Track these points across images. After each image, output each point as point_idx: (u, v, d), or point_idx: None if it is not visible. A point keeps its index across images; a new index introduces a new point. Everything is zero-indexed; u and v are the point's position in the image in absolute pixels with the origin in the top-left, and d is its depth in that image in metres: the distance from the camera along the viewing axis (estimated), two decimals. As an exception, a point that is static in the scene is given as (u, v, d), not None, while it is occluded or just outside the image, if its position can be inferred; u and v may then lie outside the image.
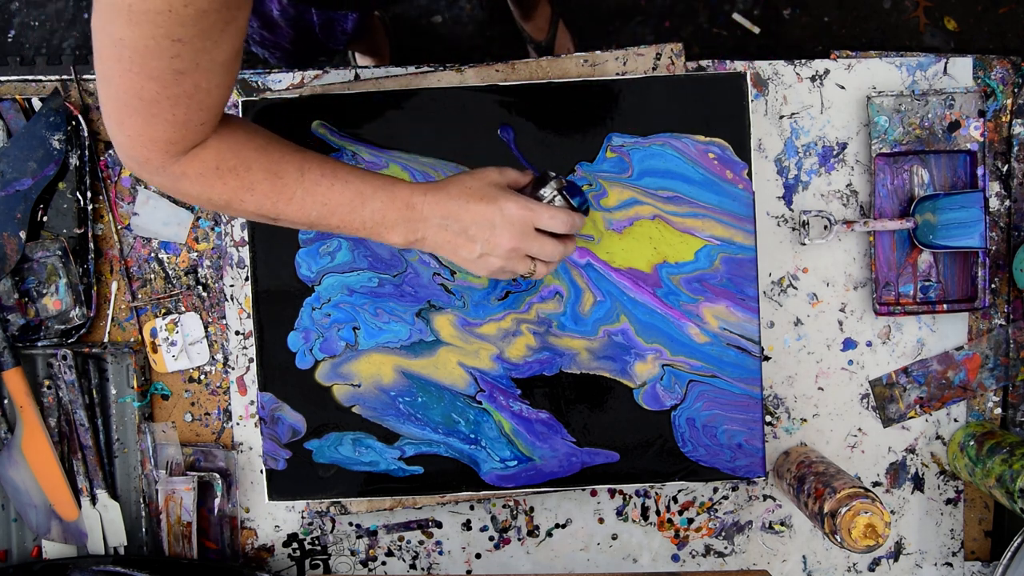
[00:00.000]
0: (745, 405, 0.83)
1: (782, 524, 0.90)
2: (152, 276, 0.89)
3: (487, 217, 0.69)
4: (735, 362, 0.83)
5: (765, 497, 0.90)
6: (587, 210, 0.75)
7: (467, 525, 0.90)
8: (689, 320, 0.83)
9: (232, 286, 0.89)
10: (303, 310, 0.84)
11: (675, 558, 0.91)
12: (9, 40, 1.66)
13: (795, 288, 0.89)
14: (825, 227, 0.87)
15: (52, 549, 0.88)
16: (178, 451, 0.88)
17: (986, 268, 0.85)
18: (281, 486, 0.85)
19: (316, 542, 0.91)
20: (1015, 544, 0.78)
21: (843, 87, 0.88)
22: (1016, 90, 0.88)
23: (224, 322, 0.89)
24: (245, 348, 0.89)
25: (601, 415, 0.84)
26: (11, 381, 0.85)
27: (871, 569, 0.91)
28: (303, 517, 0.90)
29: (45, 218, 0.87)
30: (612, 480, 0.84)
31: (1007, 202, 0.89)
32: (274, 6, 0.95)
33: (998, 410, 0.89)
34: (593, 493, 0.90)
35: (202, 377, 0.90)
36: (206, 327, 0.89)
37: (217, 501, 0.88)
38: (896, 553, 0.91)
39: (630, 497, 0.90)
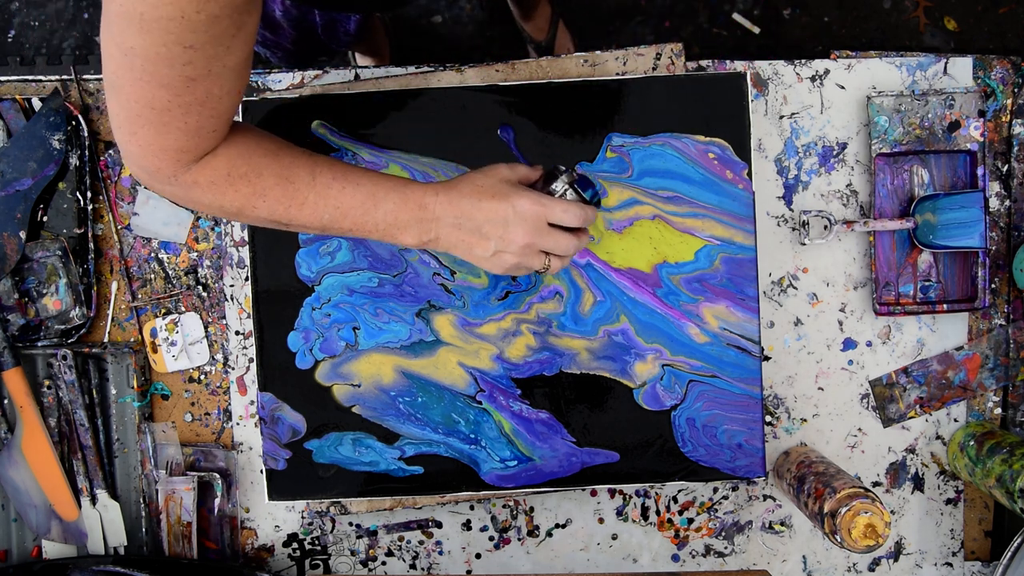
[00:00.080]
0: (745, 405, 0.83)
1: (782, 524, 0.90)
2: (152, 276, 0.90)
3: (500, 214, 0.69)
4: (735, 362, 0.83)
5: (765, 497, 0.90)
6: (599, 202, 0.74)
7: (467, 525, 0.90)
8: (689, 320, 0.83)
9: (232, 286, 0.89)
10: (303, 310, 0.84)
11: (675, 558, 0.91)
12: (9, 40, 1.66)
13: (795, 288, 0.89)
14: (825, 227, 0.87)
15: (52, 549, 0.88)
16: (178, 451, 0.88)
17: (986, 268, 0.85)
18: (281, 486, 0.85)
19: (316, 542, 0.91)
20: (1015, 544, 0.78)
21: (843, 87, 0.88)
22: (1016, 90, 0.88)
23: (224, 322, 0.89)
24: (245, 348, 0.89)
25: (601, 415, 0.84)
26: (11, 381, 0.85)
27: (871, 569, 0.91)
28: (303, 517, 0.90)
29: (45, 218, 0.87)
30: (612, 480, 0.84)
31: (1007, 202, 0.89)
32: (276, 7, 0.95)
33: (998, 410, 0.89)
34: (593, 493, 0.90)
35: (202, 377, 0.90)
36: (206, 327, 0.89)
37: (217, 501, 0.88)
38: (896, 553, 0.91)
39: (630, 497, 0.90)
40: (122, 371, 0.87)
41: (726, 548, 0.90)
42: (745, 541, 0.90)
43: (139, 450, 0.88)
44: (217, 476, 0.87)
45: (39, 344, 0.87)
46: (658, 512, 0.90)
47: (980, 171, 0.85)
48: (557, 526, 0.90)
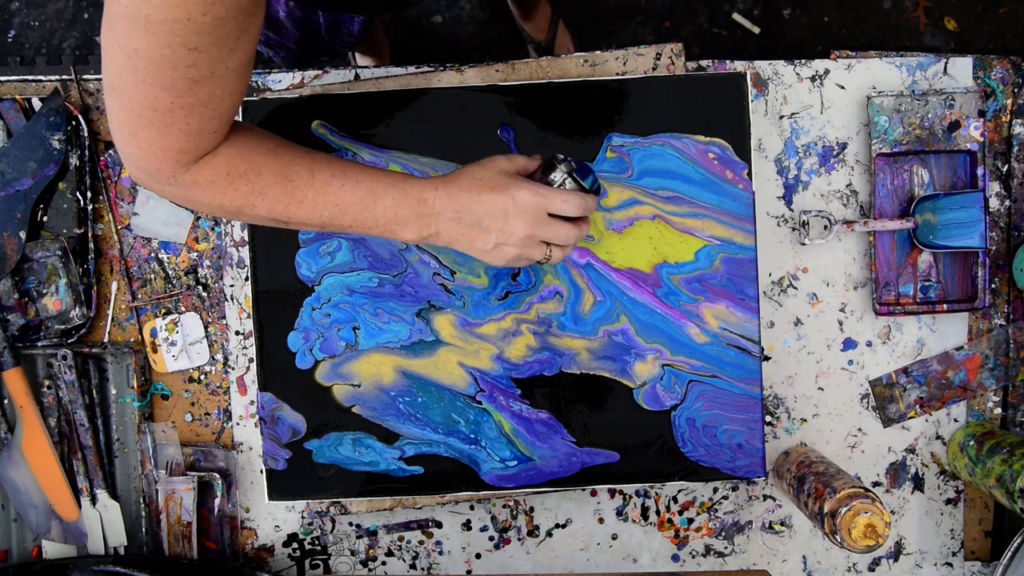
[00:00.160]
0: (745, 405, 0.83)
1: (782, 524, 0.90)
2: (152, 276, 0.90)
3: (500, 207, 0.69)
4: (735, 362, 0.83)
5: (765, 497, 0.90)
6: (599, 189, 0.74)
7: (467, 525, 0.90)
8: (689, 320, 0.83)
9: (232, 286, 0.89)
10: (303, 310, 0.84)
11: (675, 558, 0.91)
12: (9, 40, 1.66)
13: (795, 288, 0.89)
14: (825, 227, 0.87)
15: (52, 549, 0.88)
16: (178, 451, 0.88)
17: (986, 268, 0.85)
18: (281, 486, 0.85)
19: (316, 542, 0.91)
20: (1015, 544, 0.78)
21: (843, 87, 0.88)
22: (1016, 90, 0.88)
23: (224, 322, 0.89)
24: (245, 348, 0.89)
25: (601, 415, 0.84)
26: (11, 381, 0.85)
27: (871, 569, 0.91)
28: (303, 517, 0.90)
29: (45, 218, 0.87)
30: (612, 480, 0.84)
31: (1007, 202, 0.89)
32: (280, 7, 0.95)
33: (998, 410, 0.89)
34: (593, 493, 0.90)
35: (202, 377, 0.90)
36: (206, 327, 0.89)
37: (217, 501, 0.88)
38: (896, 553, 0.91)
39: (630, 497, 0.90)
40: (122, 371, 0.87)
41: (726, 548, 0.90)
42: (745, 541, 0.90)
43: (139, 450, 0.88)
44: (217, 476, 0.87)
45: (39, 344, 0.87)
46: (658, 512, 0.90)
47: (980, 171, 0.85)
48: (557, 526, 0.90)
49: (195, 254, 0.89)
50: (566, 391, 0.84)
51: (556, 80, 0.83)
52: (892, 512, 0.90)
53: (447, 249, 0.83)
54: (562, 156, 0.72)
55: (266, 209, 0.67)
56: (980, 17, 1.62)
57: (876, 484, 0.90)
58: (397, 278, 0.83)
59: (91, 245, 0.87)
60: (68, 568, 0.84)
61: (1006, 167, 0.89)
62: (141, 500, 0.87)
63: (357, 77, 0.88)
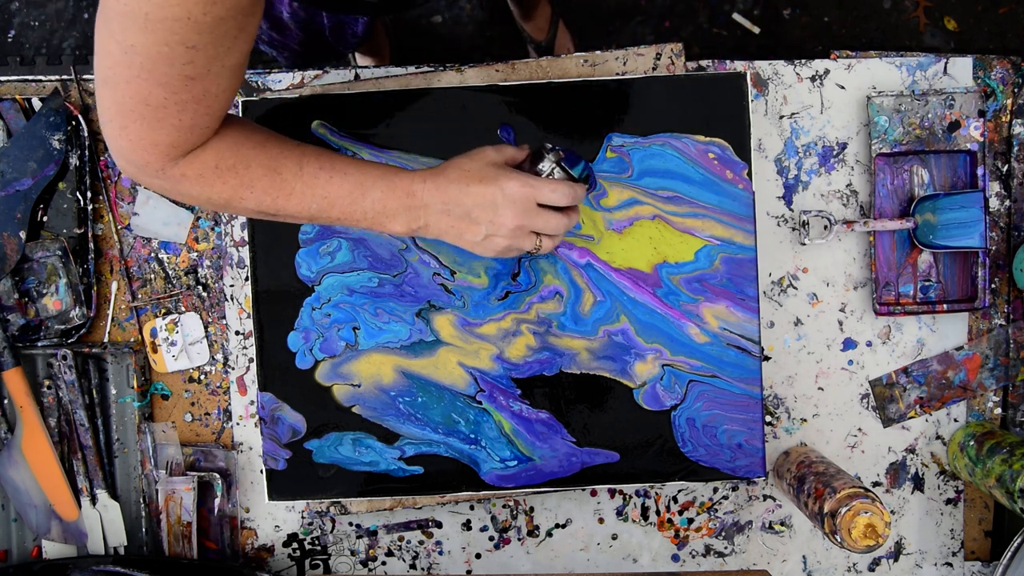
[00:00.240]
0: (745, 405, 0.83)
1: (782, 524, 0.90)
2: (152, 276, 0.90)
3: (489, 198, 0.69)
4: (735, 362, 0.83)
5: (765, 497, 0.90)
6: (587, 178, 0.74)
7: (467, 525, 0.90)
8: (689, 320, 0.83)
9: (232, 286, 0.89)
10: (303, 310, 0.84)
11: (675, 558, 0.91)
12: (9, 40, 1.66)
13: (795, 288, 0.89)
14: (825, 227, 0.87)
15: (52, 549, 0.88)
16: (178, 451, 0.88)
17: (986, 268, 0.85)
18: (281, 486, 0.85)
19: (316, 542, 0.91)
20: (1015, 544, 0.78)
21: (843, 87, 0.88)
22: (1016, 90, 0.88)
23: (224, 322, 0.89)
24: (245, 348, 0.89)
25: (601, 415, 0.84)
26: (11, 381, 0.85)
27: (871, 569, 0.91)
28: (303, 517, 0.90)
29: (45, 218, 0.87)
30: (612, 480, 0.84)
31: (1007, 202, 0.89)
32: (284, 8, 0.95)
33: (998, 410, 0.89)
34: (593, 493, 0.90)
35: (202, 377, 0.90)
36: (206, 327, 0.89)
37: (217, 501, 0.88)
38: (896, 553, 0.91)
39: (630, 497, 0.90)
40: (122, 371, 0.87)
41: (726, 548, 0.90)
42: (745, 541, 0.90)
43: (139, 450, 0.88)
44: (217, 476, 0.87)
45: (39, 344, 0.87)
46: (658, 512, 0.90)
47: (980, 171, 0.85)
48: (557, 526, 0.90)
49: (195, 254, 0.89)
50: (566, 391, 0.84)
51: (556, 80, 0.83)
52: (892, 512, 0.90)
53: (447, 248, 0.83)
54: (550, 145, 0.72)
55: (254, 202, 0.67)
56: (980, 17, 1.62)
57: (876, 484, 0.90)
58: (397, 278, 0.83)
59: (91, 245, 0.87)
60: (68, 568, 0.84)
61: (1006, 167, 0.89)
62: (141, 500, 0.87)
63: (357, 77, 0.88)
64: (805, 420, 0.89)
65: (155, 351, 0.89)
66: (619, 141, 0.82)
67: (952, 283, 0.88)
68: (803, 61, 0.88)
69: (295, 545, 0.90)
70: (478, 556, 0.91)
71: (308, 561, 0.91)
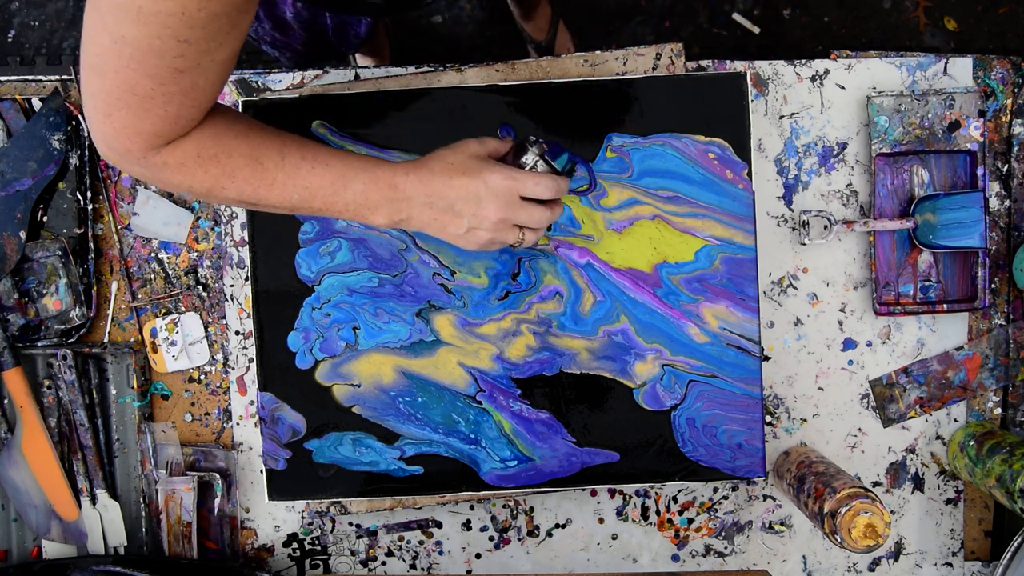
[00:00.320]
0: (745, 405, 0.83)
1: (782, 524, 0.90)
2: (152, 276, 0.90)
3: (472, 191, 0.68)
4: (735, 362, 0.83)
5: (765, 497, 0.90)
6: (571, 170, 0.73)
7: (467, 525, 0.90)
8: (689, 320, 0.83)
9: (232, 286, 0.89)
10: (303, 310, 0.84)
11: (675, 558, 0.91)
12: (9, 40, 1.66)
13: (795, 288, 0.89)
14: (825, 227, 0.87)
15: (52, 549, 0.88)
16: (178, 451, 0.88)
17: (986, 268, 0.85)
18: (281, 486, 0.85)
19: (316, 542, 0.91)
20: (1015, 544, 0.78)
21: (843, 87, 0.88)
22: (1016, 90, 0.88)
23: (224, 322, 0.89)
24: (245, 348, 0.89)
25: (601, 415, 0.84)
26: (11, 381, 0.85)
27: (871, 569, 0.91)
28: (303, 517, 0.90)
29: (45, 218, 0.87)
30: (612, 480, 0.84)
31: (1007, 202, 0.89)
32: (288, 8, 0.95)
33: (998, 410, 0.89)
34: (593, 493, 0.90)
35: (202, 377, 0.90)
36: (206, 327, 0.89)
37: (217, 501, 0.88)
38: (896, 553, 0.91)
39: (630, 497, 0.90)
40: (122, 371, 0.87)
41: (726, 548, 0.90)
42: (745, 541, 0.90)
43: (139, 450, 0.88)
44: (217, 476, 0.87)
45: (39, 344, 0.87)
46: (658, 512, 0.90)
47: (980, 171, 0.85)
48: (557, 526, 0.90)
49: (195, 254, 0.89)
50: (566, 391, 0.84)
51: (556, 80, 0.83)
52: (892, 512, 0.90)
53: (447, 248, 0.83)
54: (534, 138, 0.71)
55: (235, 191, 0.67)
56: (980, 17, 1.62)
57: (876, 484, 0.90)
58: (397, 278, 0.83)
59: (91, 245, 0.87)
60: (68, 568, 0.84)
61: (1006, 167, 0.89)
62: (141, 500, 0.87)
63: (357, 77, 0.88)
64: (805, 420, 0.89)
65: (155, 351, 0.89)
66: (619, 141, 0.82)
67: (952, 283, 0.88)
68: (803, 61, 0.88)
69: (295, 545, 0.90)
70: (478, 556, 0.91)
71: (308, 561, 0.91)
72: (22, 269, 0.86)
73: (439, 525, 0.90)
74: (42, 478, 0.87)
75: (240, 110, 0.82)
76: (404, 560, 0.91)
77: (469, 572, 0.91)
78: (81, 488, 0.87)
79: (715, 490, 0.90)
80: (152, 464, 0.87)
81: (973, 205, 0.84)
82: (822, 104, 0.88)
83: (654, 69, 0.86)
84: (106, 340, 0.89)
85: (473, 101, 0.83)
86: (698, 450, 0.83)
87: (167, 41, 0.54)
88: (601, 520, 0.90)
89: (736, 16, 1.63)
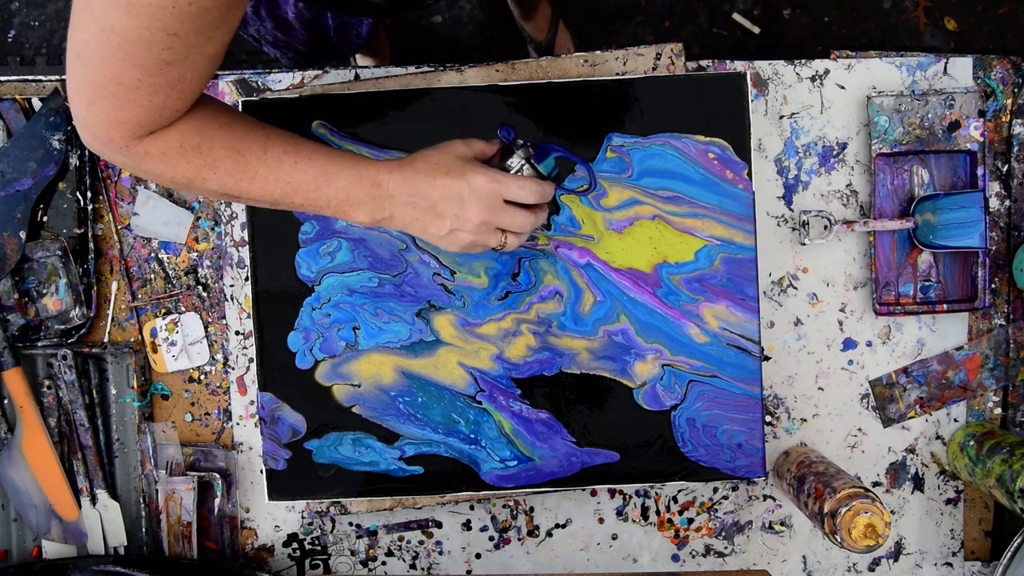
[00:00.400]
0: (745, 405, 0.83)
1: (782, 524, 0.90)
2: (152, 276, 0.90)
3: (455, 192, 0.68)
4: (735, 362, 0.83)
5: (765, 497, 0.90)
6: (558, 175, 0.73)
7: (467, 525, 0.90)
8: (689, 320, 0.83)
9: (232, 286, 0.89)
10: (303, 310, 0.84)
11: (675, 558, 0.91)
12: (9, 40, 1.66)
13: (795, 288, 0.89)
14: (825, 227, 0.87)
15: (52, 549, 0.88)
16: (178, 451, 0.88)
17: (986, 268, 0.85)
18: (281, 486, 0.85)
19: (316, 542, 0.91)
20: (1015, 544, 0.78)
21: (843, 87, 0.88)
22: (1016, 90, 0.88)
23: (224, 322, 0.89)
24: (245, 348, 0.89)
25: (601, 415, 0.84)
26: (11, 381, 0.85)
27: (871, 569, 0.91)
28: (303, 517, 0.90)
29: (45, 218, 0.87)
30: (612, 480, 0.84)
31: (1007, 202, 0.89)
32: (289, 8, 0.95)
33: (998, 410, 0.89)
34: (593, 493, 0.90)
35: (202, 377, 0.90)
36: (206, 327, 0.89)
37: (217, 501, 0.88)
38: (896, 553, 0.91)
39: (630, 497, 0.90)
40: (122, 371, 0.87)
41: (726, 548, 0.90)
42: (745, 541, 0.90)
43: (139, 450, 0.88)
44: (217, 476, 0.87)
45: (39, 344, 0.87)
46: (658, 512, 0.90)
47: (980, 171, 0.85)
48: (557, 526, 0.90)
49: (195, 254, 0.89)
50: (566, 391, 0.84)
51: (556, 80, 0.83)
52: (892, 512, 0.90)
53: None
54: (521, 141, 0.71)
55: (217, 183, 0.66)
56: (980, 17, 1.62)
57: (876, 484, 0.90)
58: (397, 278, 0.83)
59: (91, 245, 0.87)
60: (68, 568, 0.84)
61: (1006, 167, 0.89)
62: (141, 500, 0.87)
63: (357, 77, 0.88)
64: (805, 420, 0.89)
65: (155, 351, 0.89)
66: (619, 141, 0.82)
67: (952, 283, 0.88)
68: (803, 61, 0.88)
69: (295, 545, 0.90)
70: (478, 556, 0.91)
71: (308, 561, 0.91)
72: (22, 269, 0.86)
73: (439, 525, 0.90)
74: (42, 478, 0.87)
75: (240, 110, 0.82)
76: (404, 560, 0.91)
77: (469, 572, 0.91)
78: (81, 488, 0.87)
79: (715, 490, 0.90)
80: (152, 464, 0.87)
81: (973, 205, 0.84)
82: (822, 104, 0.88)
83: (654, 69, 0.86)
84: (106, 340, 0.89)
85: (473, 101, 0.83)
86: (698, 450, 0.83)
87: (156, 33, 0.54)
88: (601, 520, 0.90)
89: (736, 16, 1.63)
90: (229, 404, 0.90)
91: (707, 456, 0.84)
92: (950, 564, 0.91)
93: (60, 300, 0.87)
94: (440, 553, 0.91)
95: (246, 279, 0.89)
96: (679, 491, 0.90)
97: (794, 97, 0.88)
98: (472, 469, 0.84)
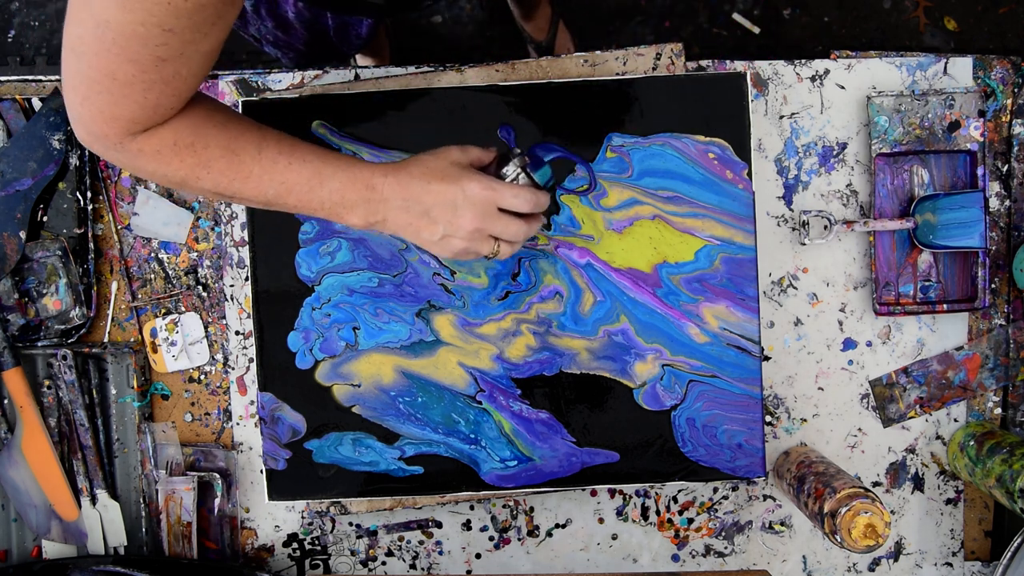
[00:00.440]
0: (745, 405, 0.83)
1: (782, 524, 0.90)
2: (152, 276, 0.90)
3: (449, 198, 0.68)
4: (735, 362, 0.83)
5: (765, 497, 0.90)
6: (553, 186, 0.73)
7: (467, 525, 0.90)
8: (689, 320, 0.83)
9: (232, 286, 0.89)
10: (303, 310, 0.84)
11: (675, 558, 0.91)
12: (9, 40, 1.66)
13: (795, 288, 0.89)
14: (825, 227, 0.87)
15: (52, 549, 0.88)
16: (178, 451, 0.88)
17: (986, 268, 0.85)
18: (281, 486, 0.85)
19: (316, 542, 0.91)
20: (1015, 544, 0.78)
21: (843, 87, 0.88)
22: (1016, 90, 0.88)
23: (224, 322, 0.89)
24: (245, 348, 0.89)
25: (601, 415, 0.84)
26: (11, 381, 0.85)
27: (871, 569, 0.91)
28: (303, 517, 0.90)
29: (45, 218, 0.87)
30: (612, 480, 0.84)
31: (1007, 202, 0.89)
32: (289, 8, 0.95)
33: (998, 410, 0.89)
34: (593, 493, 0.90)
35: (202, 377, 0.90)
36: (206, 327, 0.89)
37: (217, 501, 0.88)
38: (896, 553, 0.91)
39: (630, 497, 0.90)
40: (122, 371, 0.87)
41: (726, 548, 0.90)
42: (745, 541, 0.90)
43: (139, 450, 0.88)
44: (217, 476, 0.87)
45: (39, 344, 0.87)
46: (658, 512, 0.90)
47: (980, 171, 0.85)
48: (557, 526, 0.90)
49: (195, 254, 0.89)
50: (566, 391, 0.84)
51: (556, 80, 0.83)
52: (892, 512, 0.90)
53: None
54: (518, 150, 0.71)
55: (211, 182, 0.66)
56: (980, 17, 1.62)
57: (876, 484, 0.90)
58: (397, 278, 0.83)
59: (91, 245, 0.87)
60: (68, 568, 0.84)
61: (1006, 167, 0.89)
62: (141, 500, 0.87)
63: (357, 77, 0.88)
64: (805, 420, 0.89)
65: (155, 351, 0.89)
66: (619, 141, 0.82)
67: (952, 283, 0.88)
68: (803, 61, 0.88)
69: (295, 545, 0.90)
70: (478, 556, 0.91)
71: (308, 561, 0.91)
72: (22, 269, 0.86)
73: (439, 525, 0.90)
74: (42, 478, 0.87)
75: (240, 110, 0.82)
76: (404, 560, 0.91)
77: (469, 572, 0.91)
78: (81, 488, 0.87)
79: (715, 490, 0.90)
80: (152, 464, 0.87)
81: (973, 205, 0.84)
82: (822, 104, 0.88)
83: (654, 69, 0.86)
84: (106, 340, 0.89)
85: (473, 101, 0.83)
86: (698, 450, 0.83)
87: (151, 29, 0.54)
88: (601, 520, 0.90)
89: (736, 16, 1.63)
90: (229, 404, 0.90)
91: (707, 456, 0.84)
92: (950, 564, 0.91)
93: (60, 300, 0.87)
94: (440, 553, 0.91)
95: (246, 279, 0.89)
96: (679, 491, 0.90)
97: (794, 97, 0.88)
98: (472, 469, 0.84)
